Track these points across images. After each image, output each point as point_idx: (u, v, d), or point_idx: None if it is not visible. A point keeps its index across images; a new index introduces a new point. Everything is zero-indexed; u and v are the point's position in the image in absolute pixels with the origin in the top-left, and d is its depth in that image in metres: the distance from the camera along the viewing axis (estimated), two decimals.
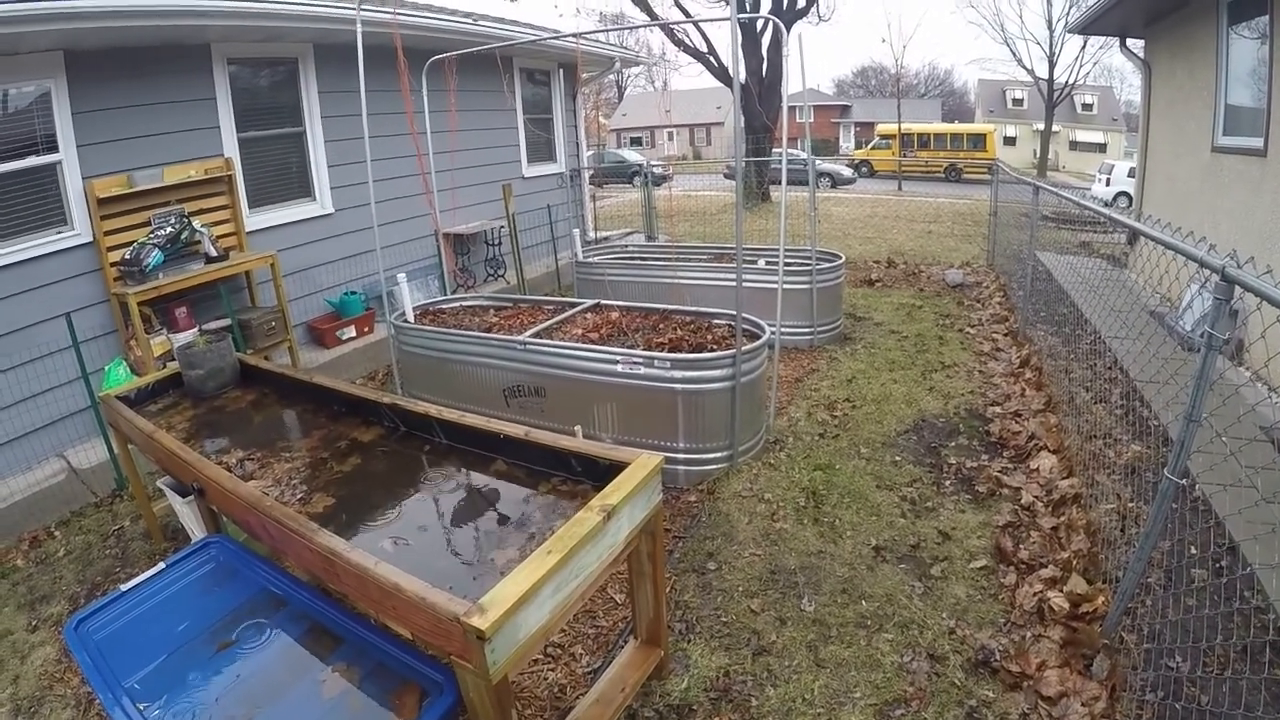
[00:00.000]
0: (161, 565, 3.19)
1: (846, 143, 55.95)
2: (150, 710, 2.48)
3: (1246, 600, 3.35)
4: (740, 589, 4.00)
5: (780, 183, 6.49)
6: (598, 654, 3.58)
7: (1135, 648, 3.20)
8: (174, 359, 5.14)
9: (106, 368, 5.99)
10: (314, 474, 3.57)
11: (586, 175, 13.34)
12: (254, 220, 7.40)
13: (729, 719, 3.15)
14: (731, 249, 8.83)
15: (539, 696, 3.32)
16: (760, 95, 20.18)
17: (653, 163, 19.29)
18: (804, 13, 20.72)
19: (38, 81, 5.67)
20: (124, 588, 3.05)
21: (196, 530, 4.01)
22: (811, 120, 7.03)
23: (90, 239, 6.00)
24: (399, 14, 7.07)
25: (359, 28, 5.87)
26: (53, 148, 5.79)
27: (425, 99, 7.07)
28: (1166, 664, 3.10)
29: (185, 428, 4.30)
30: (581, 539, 2.42)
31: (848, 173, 32.84)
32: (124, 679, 2.60)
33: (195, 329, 6.52)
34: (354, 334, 8.13)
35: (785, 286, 6.86)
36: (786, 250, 6.64)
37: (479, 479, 3.40)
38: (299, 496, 3.34)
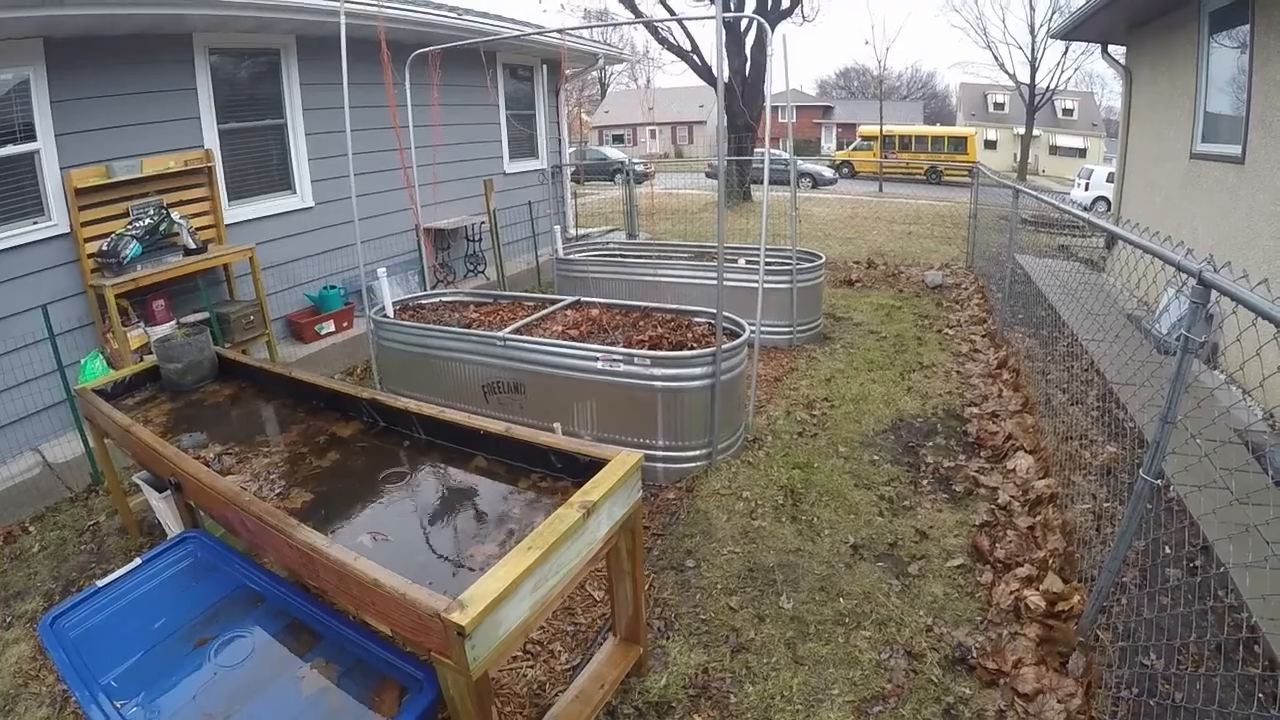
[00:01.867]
0: (138, 561, 3.17)
1: (828, 143, 56.15)
2: (127, 708, 2.46)
3: (1220, 599, 3.40)
4: (719, 586, 4.01)
5: (761, 182, 6.51)
6: (576, 651, 3.58)
7: (1110, 645, 3.23)
8: (151, 352, 5.09)
9: (83, 361, 5.92)
10: (292, 469, 3.55)
11: (568, 172, 13.32)
12: (233, 213, 7.34)
13: (708, 716, 3.17)
14: (712, 247, 8.86)
15: (518, 694, 3.32)
16: (743, 94, 20.22)
17: (634, 160, 19.28)
18: (788, 13, 20.78)
19: (15, 69, 5.58)
20: (100, 583, 3.03)
21: (173, 525, 3.99)
22: (794, 120, 7.05)
23: (67, 230, 5.93)
24: (383, 6, 7.04)
25: (342, 19, 5.83)
26: (30, 137, 5.71)
27: (408, 93, 7.04)
28: (1141, 661, 3.14)
29: (162, 422, 4.27)
30: (561, 535, 2.42)
31: (829, 173, 32.97)
32: (100, 676, 2.59)
33: (173, 322, 6.47)
34: (333, 329, 8.09)
35: (765, 286, 6.88)
36: (767, 249, 6.65)
37: (459, 475, 3.40)
38: (277, 491, 3.32)
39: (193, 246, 6.51)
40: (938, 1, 75.17)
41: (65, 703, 3.43)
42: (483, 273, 10.57)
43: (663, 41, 21.74)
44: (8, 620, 4.12)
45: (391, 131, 7.25)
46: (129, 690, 2.55)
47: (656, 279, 7.99)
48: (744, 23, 19.57)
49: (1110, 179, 18.22)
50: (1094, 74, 49.67)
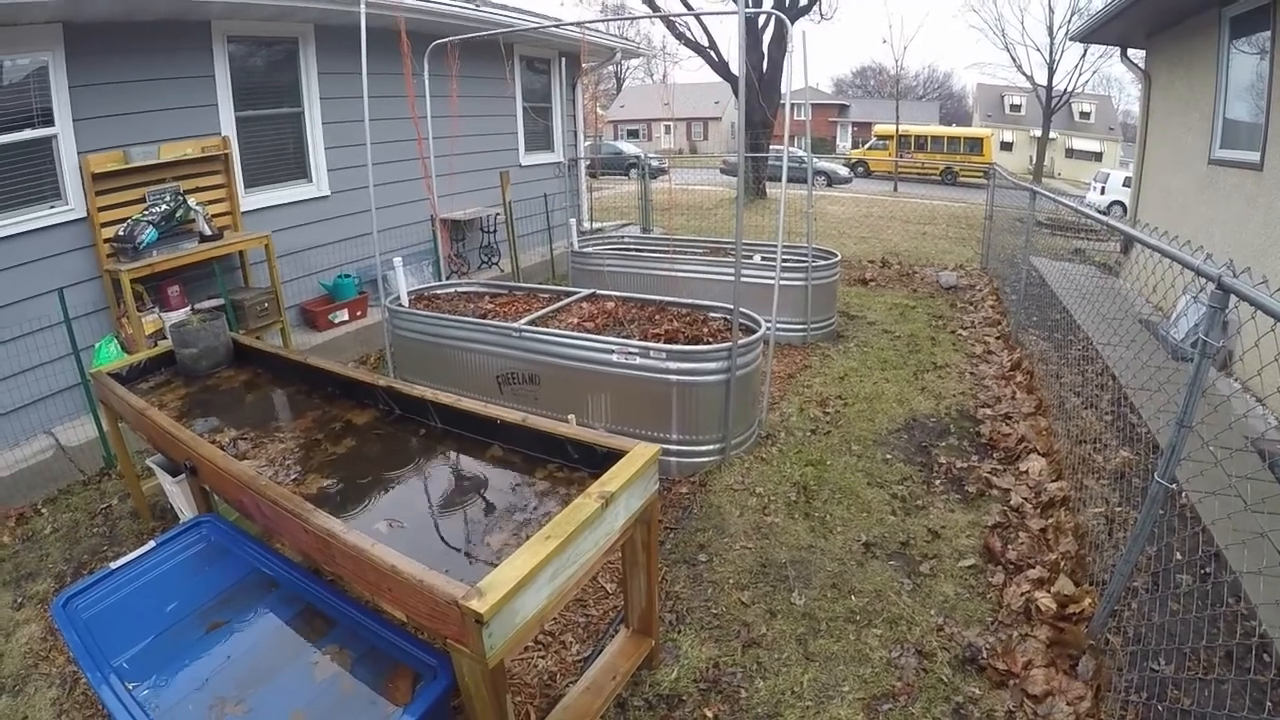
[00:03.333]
0: (152, 544, 3.18)
1: (844, 142, 55.98)
2: (139, 690, 2.47)
3: (1230, 606, 3.38)
4: (731, 581, 4.01)
5: (776, 179, 6.49)
6: (588, 643, 3.59)
7: (1121, 649, 3.22)
8: (165, 338, 5.12)
9: (97, 345, 5.95)
10: (308, 455, 3.56)
11: (584, 165, 13.31)
12: (249, 200, 7.36)
13: (718, 710, 3.17)
14: (727, 243, 8.85)
15: (529, 684, 3.33)
16: (760, 91, 20.18)
17: (650, 155, 19.26)
18: (807, 10, 20.74)
19: (35, 54, 5.60)
20: (113, 566, 3.03)
21: (186, 509, 4.00)
22: (810, 118, 7.02)
23: (84, 214, 5.95)
24: None
25: (363, 9, 5.83)
26: (49, 121, 5.73)
27: (426, 83, 7.04)
28: (1151, 666, 3.12)
29: (177, 406, 4.28)
30: (580, 525, 2.42)
31: (844, 172, 32.93)
32: (112, 658, 2.59)
33: (188, 308, 6.49)
34: (346, 317, 8.10)
35: (781, 283, 6.87)
36: (783, 247, 6.64)
37: (474, 463, 3.40)
38: (293, 477, 3.33)
39: (208, 233, 6.52)
40: (956, 1, 74.72)
41: (75, 683, 3.45)
42: (497, 264, 10.58)
43: (680, 37, 21.72)
44: (19, 601, 4.15)
45: (408, 122, 7.25)
46: (141, 673, 2.56)
47: (672, 274, 7.99)
48: (761, 19, 19.54)
49: (1126, 183, 18.15)
50: (1112, 77, 49.46)
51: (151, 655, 2.66)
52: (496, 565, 2.24)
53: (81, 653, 2.60)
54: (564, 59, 11.85)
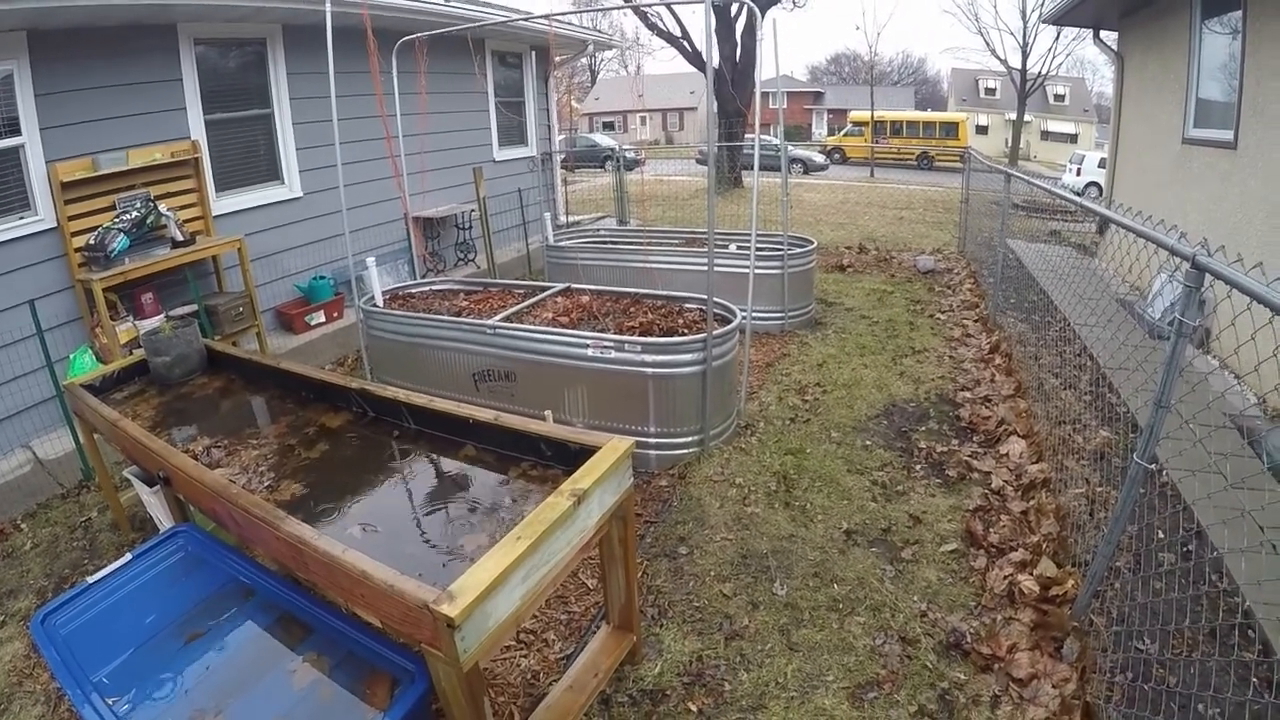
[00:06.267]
0: (129, 556, 3.15)
1: (819, 129, 56.02)
2: (119, 705, 2.46)
3: (1214, 584, 3.40)
4: (712, 573, 4.01)
5: (752, 168, 6.47)
6: (570, 640, 3.57)
7: (1105, 630, 3.23)
8: (140, 346, 5.06)
9: (71, 356, 5.88)
10: (282, 461, 3.53)
11: (558, 159, 13.26)
12: (221, 204, 7.28)
13: (702, 703, 3.16)
14: (703, 233, 8.83)
15: (512, 683, 3.31)
16: (734, 80, 20.14)
17: (624, 147, 19.22)
18: None
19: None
20: (90, 580, 3.01)
21: (164, 520, 3.96)
22: (784, 106, 7.04)
23: (54, 224, 5.87)
24: None
25: (328, 7, 5.77)
26: (15, 131, 5.64)
27: (395, 81, 6.98)
28: (1136, 646, 3.14)
29: (151, 415, 4.24)
30: (552, 524, 2.40)
31: (820, 159, 32.97)
32: (92, 674, 2.58)
33: (162, 315, 6.42)
34: (323, 319, 8.05)
35: (757, 271, 6.86)
36: (758, 235, 6.62)
37: (448, 464, 3.38)
38: (266, 484, 3.30)
39: (180, 239, 6.45)
40: None
41: (60, 700, 3.41)
42: (473, 261, 10.54)
43: (652, 28, 21.66)
44: (1, 619, 4.10)
45: (379, 120, 7.19)
46: (121, 687, 2.54)
47: (647, 265, 7.97)
48: (734, 8, 19.49)
49: (1102, 165, 18.24)
50: (1085, 59, 49.57)
51: (131, 669, 2.65)
52: (469, 567, 2.22)
53: (61, 670, 2.58)
54: (535, 53, 11.79)
